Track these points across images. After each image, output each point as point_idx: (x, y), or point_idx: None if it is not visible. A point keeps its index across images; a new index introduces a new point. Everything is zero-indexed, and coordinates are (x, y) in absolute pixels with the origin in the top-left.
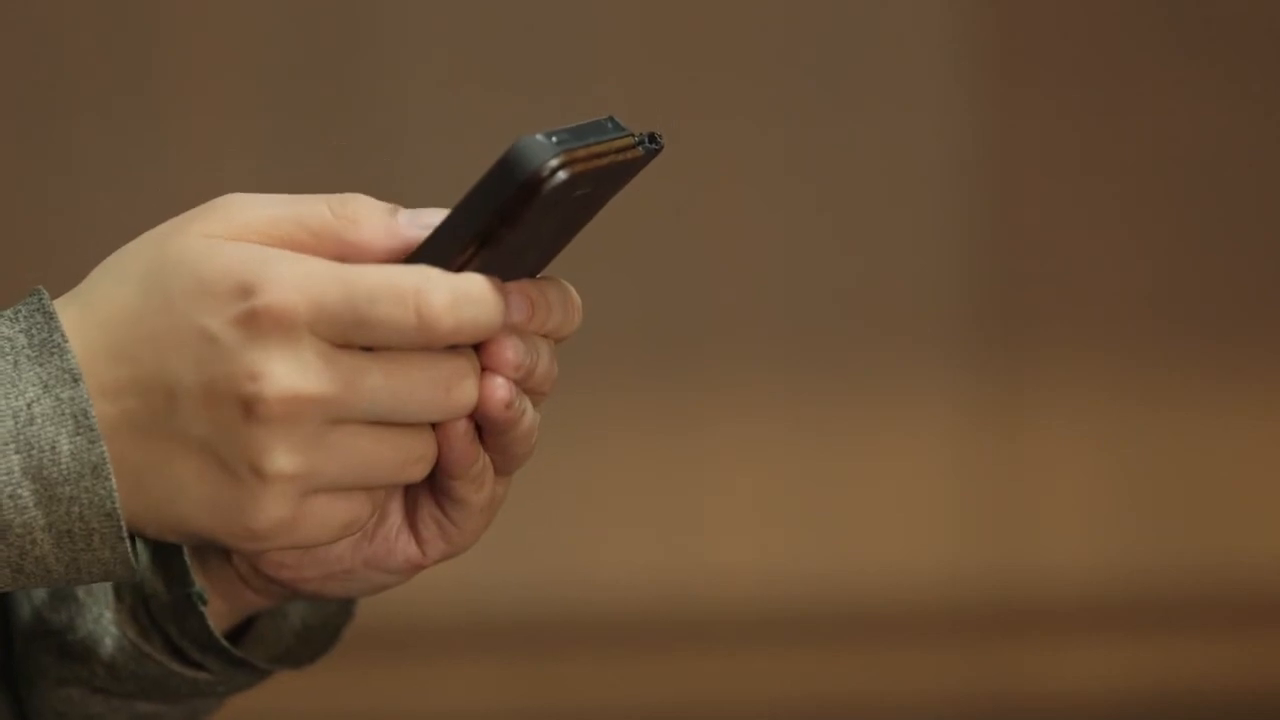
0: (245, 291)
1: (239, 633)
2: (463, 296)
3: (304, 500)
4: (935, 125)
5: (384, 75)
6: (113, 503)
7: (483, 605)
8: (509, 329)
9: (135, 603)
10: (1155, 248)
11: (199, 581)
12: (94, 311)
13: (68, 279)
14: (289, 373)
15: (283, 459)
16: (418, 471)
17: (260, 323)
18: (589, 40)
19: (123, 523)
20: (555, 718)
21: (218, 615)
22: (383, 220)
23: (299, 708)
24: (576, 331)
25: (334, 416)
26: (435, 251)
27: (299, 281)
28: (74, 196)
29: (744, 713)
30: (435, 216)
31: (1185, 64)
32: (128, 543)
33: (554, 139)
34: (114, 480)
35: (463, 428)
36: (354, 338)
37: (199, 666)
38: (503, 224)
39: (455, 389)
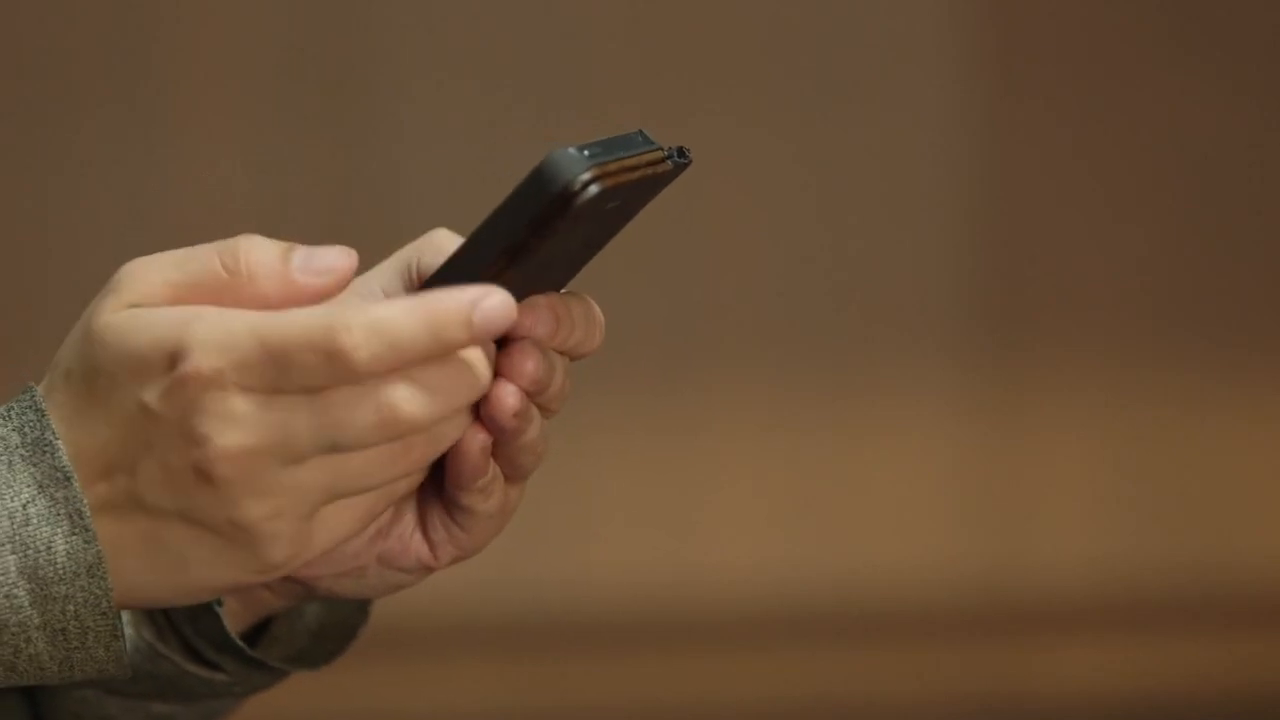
0: (172, 359)
1: (255, 634)
2: (378, 329)
3: (304, 522)
4: (935, 127)
5: (384, 75)
6: (108, 601)
7: (483, 605)
8: (533, 341)
9: None
10: (1155, 248)
11: None
12: (54, 407)
13: (68, 279)
14: (225, 431)
15: (254, 508)
16: (403, 484)
17: (189, 389)
18: (589, 40)
19: (116, 621)
20: (555, 718)
21: (233, 616)
22: (277, 268)
23: (299, 706)
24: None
25: (284, 458)
26: (466, 265)
27: (219, 340)
28: (74, 196)
29: (744, 713)
30: (331, 256)
31: (1185, 65)
32: (122, 641)
33: (586, 152)
34: (110, 579)
35: (478, 444)
36: (282, 385)
37: (214, 667)
38: (534, 237)
39: (400, 410)
